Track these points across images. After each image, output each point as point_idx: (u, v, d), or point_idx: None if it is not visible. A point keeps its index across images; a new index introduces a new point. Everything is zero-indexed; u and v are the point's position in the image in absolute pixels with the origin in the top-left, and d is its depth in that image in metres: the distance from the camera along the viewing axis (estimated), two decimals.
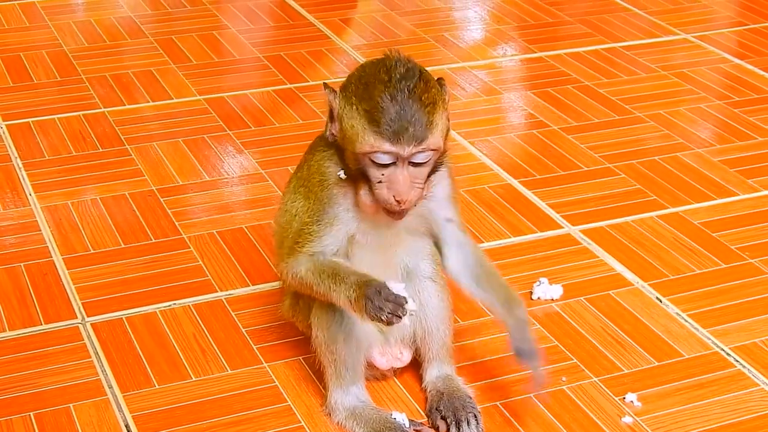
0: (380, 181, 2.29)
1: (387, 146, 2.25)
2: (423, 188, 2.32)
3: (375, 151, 2.27)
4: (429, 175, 2.32)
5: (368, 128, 2.26)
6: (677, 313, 2.91)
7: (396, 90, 2.24)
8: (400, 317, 2.26)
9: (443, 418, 2.51)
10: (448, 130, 2.34)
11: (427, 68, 2.32)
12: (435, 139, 2.27)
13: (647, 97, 4.16)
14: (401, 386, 2.63)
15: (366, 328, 2.48)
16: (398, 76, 2.26)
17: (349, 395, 2.52)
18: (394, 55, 2.31)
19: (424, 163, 2.29)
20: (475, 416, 2.50)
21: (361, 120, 2.27)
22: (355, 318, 2.41)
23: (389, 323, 2.27)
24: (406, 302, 2.26)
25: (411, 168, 2.28)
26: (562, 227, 3.30)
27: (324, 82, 2.38)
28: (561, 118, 3.97)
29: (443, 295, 2.56)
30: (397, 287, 2.29)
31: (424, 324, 2.56)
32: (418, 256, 2.53)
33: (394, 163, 2.27)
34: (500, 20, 4.90)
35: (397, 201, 2.29)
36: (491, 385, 2.63)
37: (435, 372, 2.60)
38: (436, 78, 2.33)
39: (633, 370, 2.69)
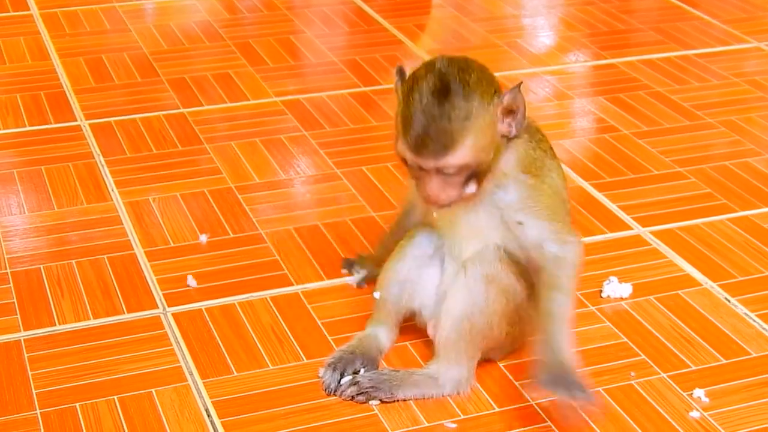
0: (415, 178, 2.38)
1: (410, 156, 2.32)
2: (460, 191, 2.35)
3: (403, 157, 2.35)
4: (469, 180, 2.35)
5: (400, 133, 2.34)
6: (746, 314, 2.94)
7: (428, 103, 2.27)
8: None
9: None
10: (492, 143, 2.33)
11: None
12: (458, 158, 2.29)
13: (718, 104, 4.18)
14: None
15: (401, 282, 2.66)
16: (435, 87, 2.28)
17: (369, 328, 2.74)
18: (441, 63, 2.32)
19: (454, 173, 2.32)
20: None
21: (398, 122, 2.35)
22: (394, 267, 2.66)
23: None
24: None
25: (442, 175, 2.32)
26: (633, 228, 3.34)
27: (399, 67, 2.44)
28: (632, 123, 4.01)
29: (479, 296, 2.50)
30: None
31: (439, 311, 2.58)
32: (477, 248, 2.54)
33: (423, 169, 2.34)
34: (572, 27, 4.95)
35: (428, 201, 2.37)
36: None
37: None
38: (515, 84, 2.33)
39: (701, 367, 2.73)
